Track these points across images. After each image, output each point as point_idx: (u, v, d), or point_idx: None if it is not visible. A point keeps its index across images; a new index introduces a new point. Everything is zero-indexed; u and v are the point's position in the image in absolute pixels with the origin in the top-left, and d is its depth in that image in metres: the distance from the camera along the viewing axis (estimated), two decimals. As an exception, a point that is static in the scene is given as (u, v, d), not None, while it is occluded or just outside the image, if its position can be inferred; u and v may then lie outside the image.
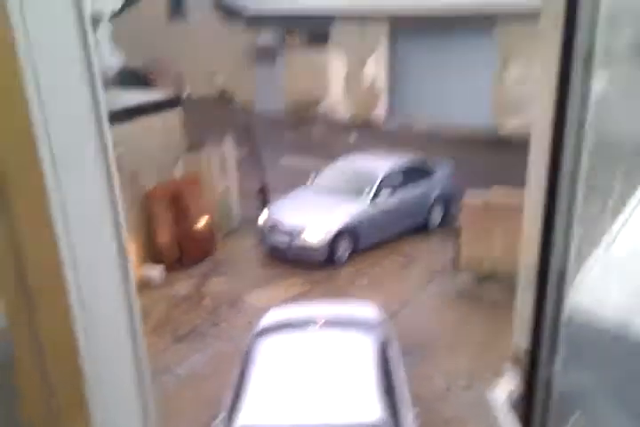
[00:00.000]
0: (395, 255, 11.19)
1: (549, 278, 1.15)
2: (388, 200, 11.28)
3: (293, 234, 10.50)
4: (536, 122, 1.14)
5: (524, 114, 16.97)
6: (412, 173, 11.90)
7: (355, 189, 11.26)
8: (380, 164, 11.87)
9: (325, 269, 10.59)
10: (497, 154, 15.54)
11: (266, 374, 6.13)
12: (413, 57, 19.46)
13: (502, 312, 8.99)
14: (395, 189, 11.42)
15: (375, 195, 11.17)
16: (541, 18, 1.10)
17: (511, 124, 17.19)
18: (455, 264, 10.35)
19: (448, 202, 12.14)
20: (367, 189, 11.18)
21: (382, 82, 20.01)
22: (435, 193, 12.03)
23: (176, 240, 11.01)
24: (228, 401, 6.02)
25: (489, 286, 9.78)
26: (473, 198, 10.24)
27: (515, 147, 14.00)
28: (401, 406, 5.92)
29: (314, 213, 10.76)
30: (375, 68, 20.00)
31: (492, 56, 17.80)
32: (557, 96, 1.02)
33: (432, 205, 11.97)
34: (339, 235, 10.54)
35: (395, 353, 6.73)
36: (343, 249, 10.68)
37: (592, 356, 1.33)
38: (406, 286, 10.09)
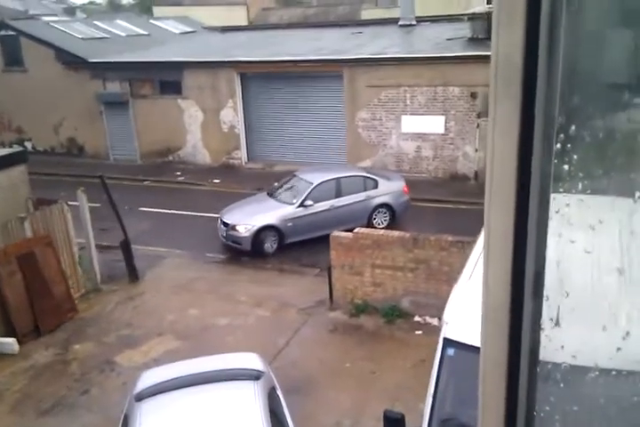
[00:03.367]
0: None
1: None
2: (317, 206, 13.33)
3: (229, 226, 13.19)
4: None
5: (373, 156, 18.21)
6: (354, 183, 13.91)
7: (291, 196, 13.68)
8: (318, 176, 13.91)
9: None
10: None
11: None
12: (266, 102, 19.92)
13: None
14: (328, 196, 13.50)
15: (304, 201, 13.24)
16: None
17: (364, 164, 18.16)
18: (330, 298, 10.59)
19: (395, 209, 14.19)
20: (298, 197, 13.42)
21: (240, 127, 20.21)
22: (378, 201, 13.90)
23: (29, 305, 10.09)
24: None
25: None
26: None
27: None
28: None
29: (249, 213, 13.43)
30: (232, 115, 20.18)
31: (342, 100, 18.71)
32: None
33: (375, 211, 13.93)
34: (263, 230, 13.01)
35: (280, 399, 6.62)
36: (269, 242, 13.17)
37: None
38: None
